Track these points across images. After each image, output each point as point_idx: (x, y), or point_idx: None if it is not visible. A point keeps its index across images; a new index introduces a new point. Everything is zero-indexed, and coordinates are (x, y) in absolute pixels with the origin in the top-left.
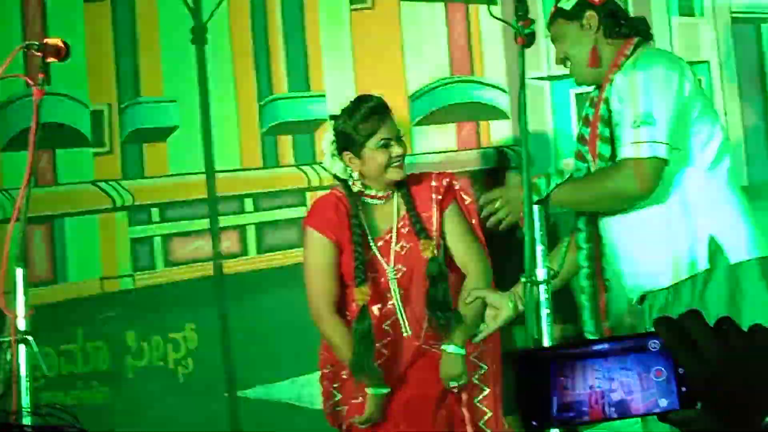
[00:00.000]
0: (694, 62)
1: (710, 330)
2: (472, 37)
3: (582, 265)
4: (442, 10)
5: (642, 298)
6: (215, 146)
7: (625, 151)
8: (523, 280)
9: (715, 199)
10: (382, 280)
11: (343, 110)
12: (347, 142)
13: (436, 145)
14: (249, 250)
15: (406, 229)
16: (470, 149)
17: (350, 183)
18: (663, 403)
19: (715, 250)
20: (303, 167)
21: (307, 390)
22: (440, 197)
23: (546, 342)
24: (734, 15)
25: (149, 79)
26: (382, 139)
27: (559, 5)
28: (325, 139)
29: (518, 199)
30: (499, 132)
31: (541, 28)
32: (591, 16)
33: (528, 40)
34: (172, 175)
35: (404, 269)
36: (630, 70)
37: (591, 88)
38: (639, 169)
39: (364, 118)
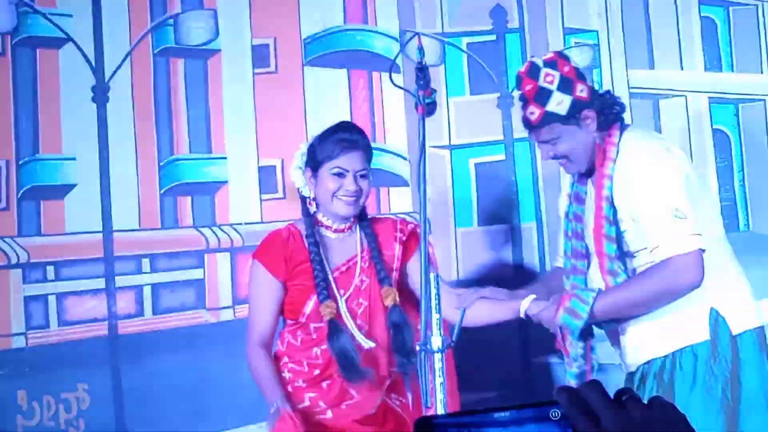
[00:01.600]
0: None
1: (610, 401)
2: (375, 104)
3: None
4: (345, 76)
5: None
6: (113, 205)
7: (668, 249)
8: (418, 347)
9: (717, 271)
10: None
11: (324, 130)
12: (311, 159)
13: None
14: (145, 310)
15: (367, 263)
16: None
17: (308, 202)
18: None
19: (716, 321)
20: (201, 229)
21: None
22: (404, 238)
23: (439, 411)
24: (633, 90)
25: (49, 135)
26: (337, 167)
27: (548, 110)
28: (299, 149)
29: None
30: (399, 199)
31: (442, 98)
32: (588, 114)
33: (429, 109)
34: (68, 234)
35: (365, 304)
36: (632, 164)
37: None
38: (687, 263)
39: (331, 141)
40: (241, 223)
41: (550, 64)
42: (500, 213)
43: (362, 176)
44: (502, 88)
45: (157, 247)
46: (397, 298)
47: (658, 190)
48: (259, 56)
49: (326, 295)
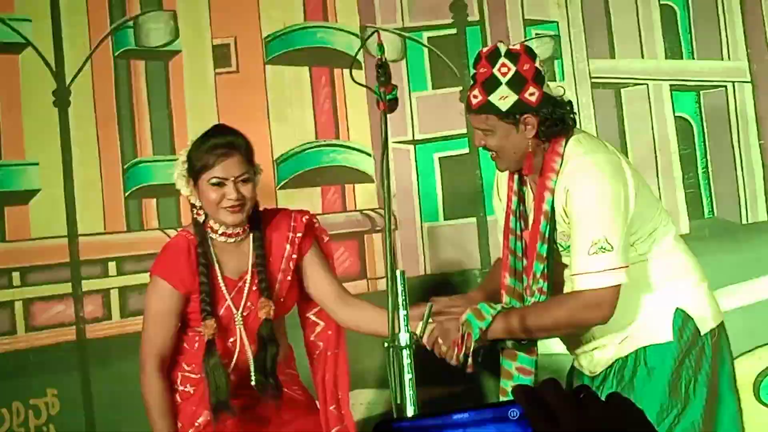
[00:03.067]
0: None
1: (567, 399)
2: (337, 101)
3: None
4: (306, 74)
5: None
6: (78, 209)
7: (583, 282)
8: (386, 345)
9: (678, 270)
10: (230, 323)
11: (200, 135)
12: (191, 169)
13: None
14: (112, 314)
15: (255, 286)
16: (335, 212)
17: (196, 212)
18: None
19: (682, 321)
20: (167, 230)
21: None
22: (299, 235)
23: (409, 407)
24: (594, 80)
25: (11, 141)
26: (214, 177)
27: (490, 100)
28: (180, 156)
29: (456, 329)
30: (364, 195)
31: (404, 93)
32: (528, 120)
33: (390, 105)
34: (33, 239)
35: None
36: (572, 184)
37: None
38: (599, 299)
39: (204, 150)
40: None
41: (511, 55)
42: (466, 207)
43: (243, 181)
44: (465, 82)
45: (123, 250)
46: (272, 312)
47: (590, 218)
48: (220, 56)
49: (208, 312)
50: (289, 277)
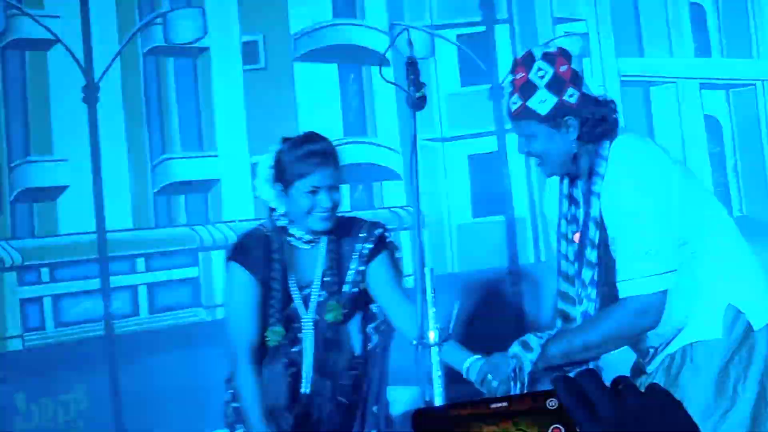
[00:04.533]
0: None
1: (606, 389)
2: (365, 99)
3: None
4: (335, 71)
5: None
6: (106, 206)
7: (629, 288)
8: (414, 342)
9: (728, 268)
10: (297, 326)
11: (290, 139)
12: (280, 175)
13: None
14: (140, 310)
15: (325, 288)
16: (363, 210)
17: (275, 216)
18: None
19: (734, 318)
20: (195, 227)
21: None
22: (369, 247)
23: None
24: (624, 78)
25: (39, 137)
26: (310, 186)
27: (528, 105)
28: (262, 161)
29: (505, 364)
30: (392, 193)
31: (433, 91)
32: (570, 122)
33: (419, 103)
34: (62, 235)
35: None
36: (618, 187)
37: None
38: (646, 305)
39: (300, 157)
40: (234, 221)
41: (547, 57)
42: (495, 205)
43: (336, 189)
44: (493, 79)
45: (151, 246)
46: (339, 316)
47: (635, 222)
48: (249, 53)
49: (277, 319)
50: (355, 289)
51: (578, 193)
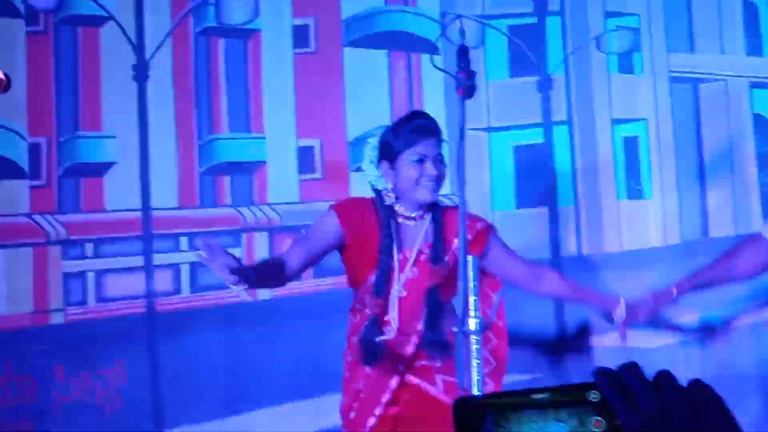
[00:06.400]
0: (631, 119)
1: (648, 383)
2: (414, 86)
3: None
4: (384, 57)
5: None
6: (153, 183)
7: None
8: (455, 330)
9: None
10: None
11: (395, 122)
12: (386, 152)
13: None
14: (182, 288)
15: (424, 256)
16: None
17: (384, 194)
18: None
19: None
20: (240, 208)
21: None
22: (468, 237)
23: (474, 391)
24: (673, 74)
25: (89, 113)
26: (417, 154)
27: None
28: (369, 144)
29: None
30: None
31: (481, 81)
32: None
33: (468, 91)
34: (108, 211)
35: (405, 294)
36: None
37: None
38: None
39: (407, 130)
40: (279, 203)
41: None
42: (539, 196)
43: (440, 161)
44: (542, 71)
45: (195, 225)
46: (439, 281)
47: None
48: (300, 36)
49: (382, 292)
50: (451, 263)
51: None
